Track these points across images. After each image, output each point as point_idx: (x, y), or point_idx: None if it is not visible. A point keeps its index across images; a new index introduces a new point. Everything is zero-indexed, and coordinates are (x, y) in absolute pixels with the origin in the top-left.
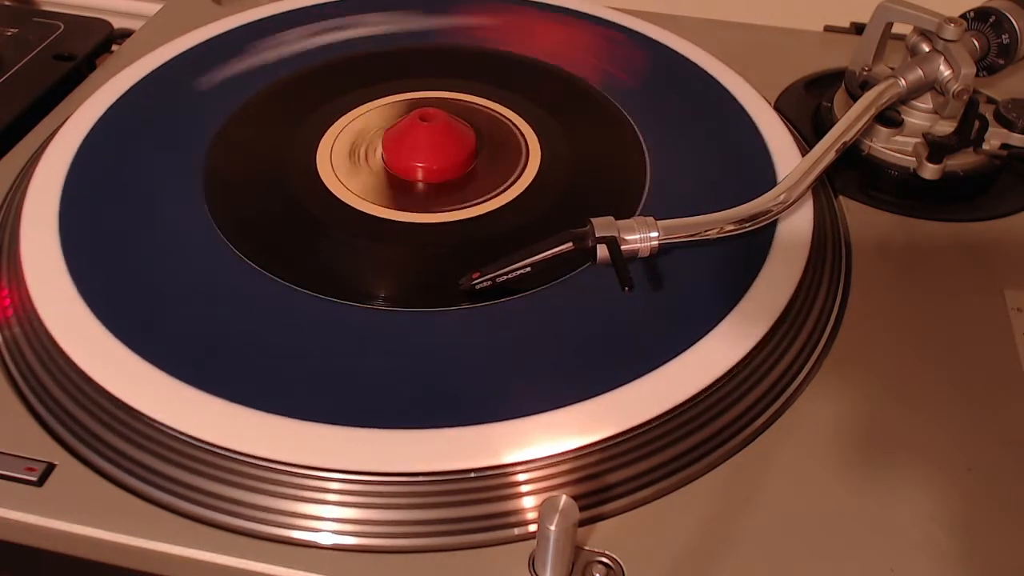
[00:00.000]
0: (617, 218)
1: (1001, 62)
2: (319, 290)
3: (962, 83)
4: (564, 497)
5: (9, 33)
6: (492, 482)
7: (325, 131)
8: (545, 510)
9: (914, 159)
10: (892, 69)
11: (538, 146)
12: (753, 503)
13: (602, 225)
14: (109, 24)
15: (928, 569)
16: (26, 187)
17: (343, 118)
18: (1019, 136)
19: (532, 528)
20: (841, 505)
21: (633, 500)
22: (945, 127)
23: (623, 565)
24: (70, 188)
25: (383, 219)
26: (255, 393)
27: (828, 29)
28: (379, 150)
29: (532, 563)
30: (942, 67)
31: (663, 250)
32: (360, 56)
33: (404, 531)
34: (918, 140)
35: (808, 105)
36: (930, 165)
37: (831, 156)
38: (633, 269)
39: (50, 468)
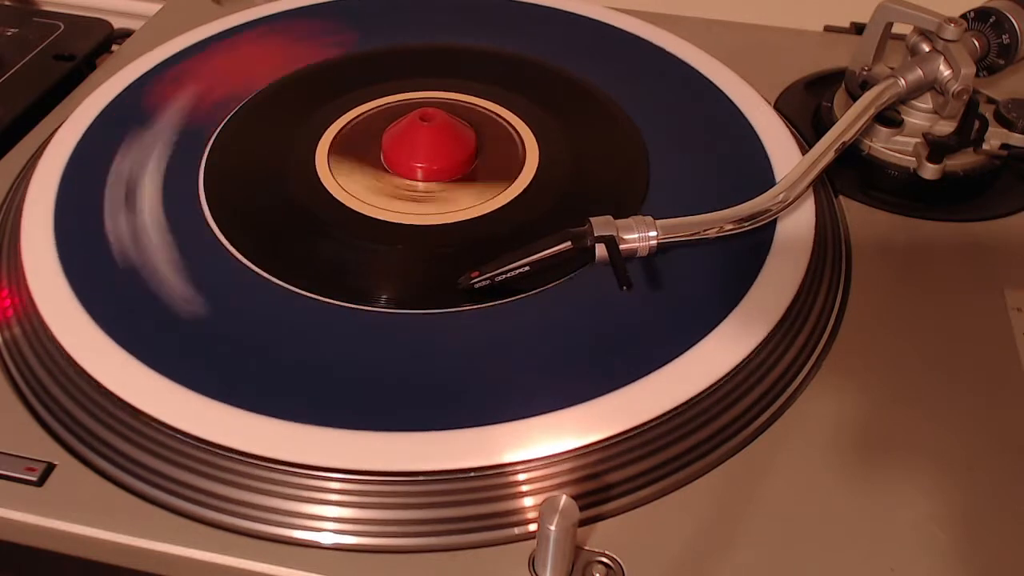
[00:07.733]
0: (616, 218)
1: (1001, 62)
2: (318, 291)
3: (962, 83)
4: (564, 497)
5: (9, 33)
6: (492, 482)
7: (325, 131)
8: (545, 510)
9: (914, 159)
10: (892, 69)
11: (537, 146)
12: (753, 503)
13: (601, 224)
14: (109, 24)
15: (928, 569)
16: (26, 187)
17: (343, 118)
18: (1019, 136)
19: (532, 528)
20: (841, 505)
21: (633, 500)
22: (945, 127)
23: (623, 565)
24: (70, 188)
25: (382, 220)
26: (255, 393)
27: (828, 29)
28: (379, 150)
29: (532, 563)
30: (942, 67)
31: (662, 250)
32: (360, 56)
33: (404, 531)
34: (918, 140)
35: (808, 105)
36: (930, 165)
37: (830, 156)
38: (632, 269)
39: (50, 468)
